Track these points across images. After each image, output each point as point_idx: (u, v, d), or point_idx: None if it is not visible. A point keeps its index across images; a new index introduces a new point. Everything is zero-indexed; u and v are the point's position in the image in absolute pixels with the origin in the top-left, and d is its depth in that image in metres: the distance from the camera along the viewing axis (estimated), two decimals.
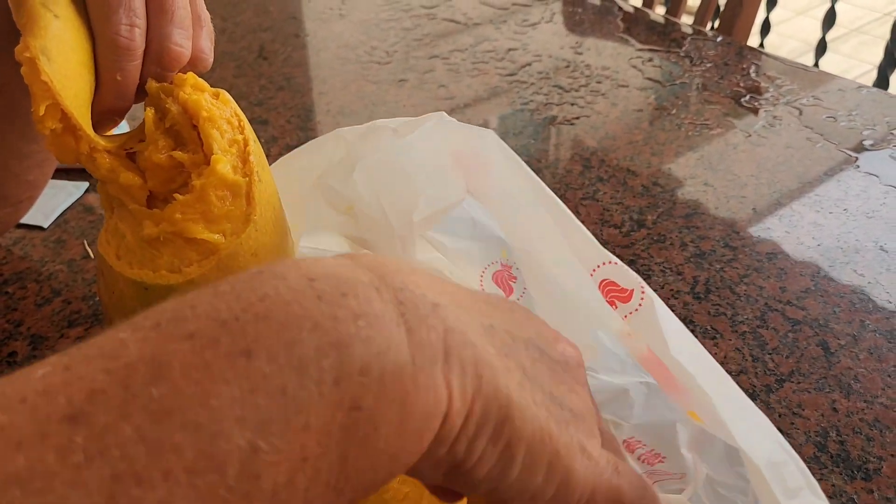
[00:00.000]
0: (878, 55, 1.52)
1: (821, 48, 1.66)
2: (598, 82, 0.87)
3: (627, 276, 0.36)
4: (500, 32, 0.98)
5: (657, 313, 0.35)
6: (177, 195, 0.36)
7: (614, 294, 0.37)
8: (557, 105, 0.83)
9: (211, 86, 0.39)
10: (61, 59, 0.33)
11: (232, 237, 0.36)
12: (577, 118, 0.81)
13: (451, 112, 0.82)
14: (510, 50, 0.94)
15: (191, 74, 0.38)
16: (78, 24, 0.35)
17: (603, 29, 0.98)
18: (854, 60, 2.77)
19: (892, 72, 1.51)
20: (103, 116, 0.37)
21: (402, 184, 0.40)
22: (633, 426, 0.42)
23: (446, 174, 0.40)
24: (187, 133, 0.36)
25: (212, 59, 0.40)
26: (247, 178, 0.36)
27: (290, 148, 0.77)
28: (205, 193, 0.35)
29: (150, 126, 0.36)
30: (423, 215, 0.40)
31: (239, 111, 0.38)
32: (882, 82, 1.53)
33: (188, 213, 0.35)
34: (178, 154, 0.36)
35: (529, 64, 0.91)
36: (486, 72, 0.89)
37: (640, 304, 0.36)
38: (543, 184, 0.39)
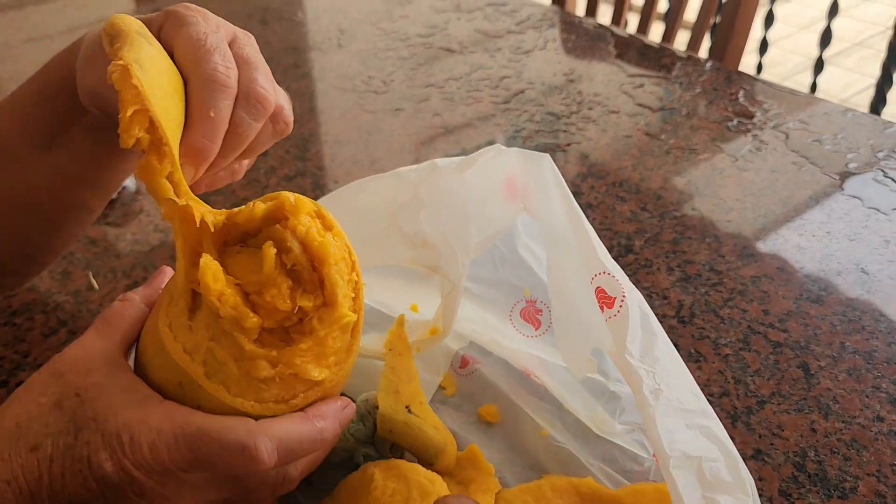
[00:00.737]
0: (879, 69, 1.54)
1: (818, 66, 1.68)
2: (590, 108, 0.89)
3: (614, 286, 0.41)
4: (494, 60, 1.00)
5: (629, 319, 0.40)
6: (295, 338, 0.35)
7: (604, 300, 0.42)
8: (549, 132, 0.85)
9: None
10: (154, 72, 0.34)
11: (335, 368, 0.37)
12: (569, 145, 0.83)
13: (445, 140, 0.84)
14: (504, 78, 0.96)
15: (303, 202, 0.36)
16: (169, 64, 0.37)
17: (596, 55, 1.00)
18: (857, 74, 2.78)
19: (890, 88, 1.52)
20: (187, 158, 0.37)
21: (461, 216, 0.46)
22: None
23: (496, 201, 0.46)
24: (307, 274, 0.36)
25: (292, 122, 0.42)
26: (356, 315, 0.37)
27: (288, 178, 0.79)
28: (326, 338, 0.36)
29: (270, 266, 0.35)
30: (475, 241, 0.46)
31: (347, 240, 0.38)
32: (879, 98, 1.55)
33: (306, 357, 0.36)
34: (303, 302, 0.35)
35: (523, 91, 0.93)
36: (480, 100, 0.92)
37: (619, 311, 0.41)
38: (574, 200, 0.45)
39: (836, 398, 0.53)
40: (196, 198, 0.36)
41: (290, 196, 0.36)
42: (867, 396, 0.53)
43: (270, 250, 0.35)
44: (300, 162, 0.82)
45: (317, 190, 0.77)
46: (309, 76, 1.00)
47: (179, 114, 0.36)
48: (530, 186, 0.46)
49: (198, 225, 0.35)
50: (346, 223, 0.49)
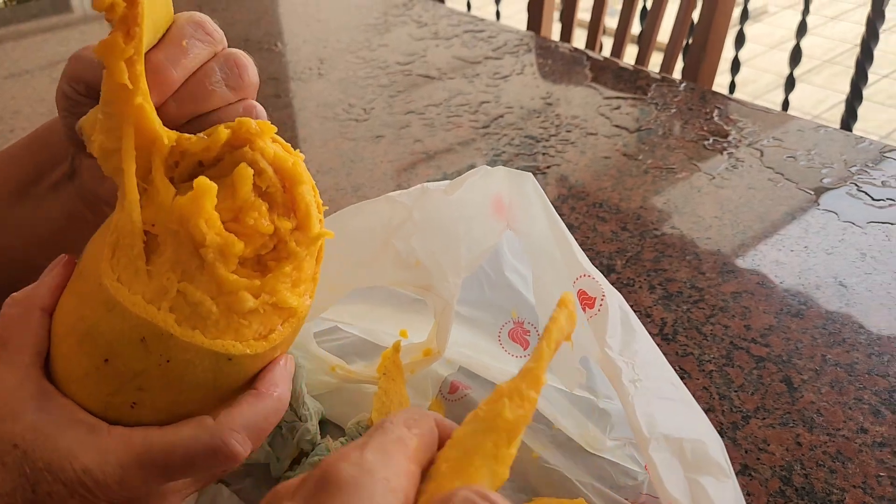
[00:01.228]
0: (849, 85, 1.57)
1: (789, 84, 1.71)
2: (568, 131, 0.90)
3: (594, 287, 0.43)
4: (472, 86, 1.02)
5: (609, 316, 0.42)
6: (272, 265, 0.34)
7: (585, 301, 0.43)
8: (529, 155, 0.86)
9: None
10: None
11: (305, 298, 0.36)
12: (549, 167, 0.84)
13: (425, 166, 0.85)
14: (483, 103, 0.97)
15: (267, 126, 0.35)
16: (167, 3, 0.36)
17: (572, 79, 1.02)
18: (828, 91, 2.84)
19: (859, 104, 1.56)
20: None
21: (451, 237, 0.47)
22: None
23: (484, 220, 0.47)
24: (280, 197, 0.35)
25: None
26: (330, 234, 0.36)
27: None
28: (303, 262, 0.35)
29: (248, 188, 0.33)
30: (466, 260, 0.48)
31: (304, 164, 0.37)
32: (850, 114, 1.58)
33: (286, 283, 0.34)
34: (282, 223, 0.34)
35: (502, 115, 0.94)
36: (459, 125, 0.93)
37: (599, 310, 0.43)
38: (555, 212, 0.47)
39: (819, 411, 0.54)
40: (153, 104, 0.33)
41: (251, 120, 0.35)
42: (850, 408, 0.54)
43: (247, 171, 0.33)
44: None
45: None
46: (290, 106, 1.01)
47: (155, 35, 0.34)
48: (514, 204, 0.48)
49: (153, 133, 0.33)
50: (340, 247, 0.50)
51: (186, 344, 0.32)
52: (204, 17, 0.37)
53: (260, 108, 0.39)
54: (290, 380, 0.37)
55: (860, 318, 0.61)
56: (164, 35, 0.35)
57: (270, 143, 0.35)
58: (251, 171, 0.33)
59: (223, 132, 0.34)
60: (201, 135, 0.34)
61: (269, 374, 0.36)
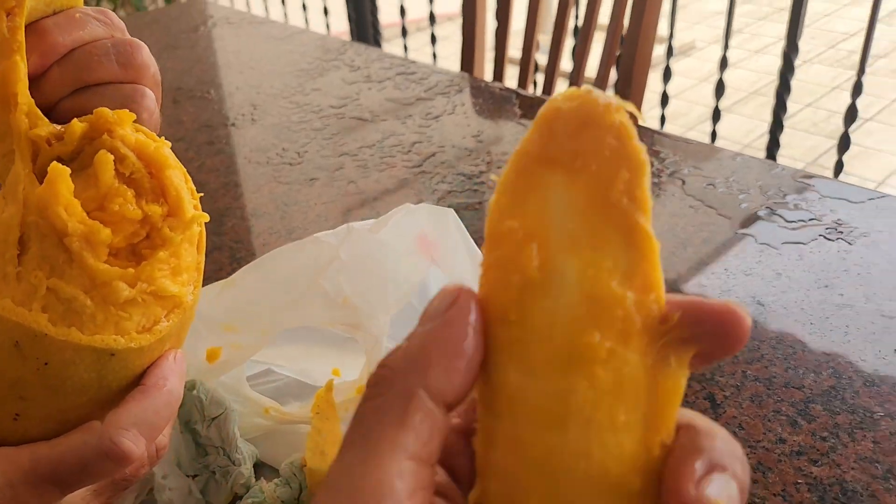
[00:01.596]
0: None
1: (716, 116, 1.78)
2: (499, 167, 0.92)
3: None
4: (405, 126, 1.04)
5: None
6: (147, 253, 0.33)
7: None
8: (461, 192, 0.88)
9: None
10: None
11: (189, 287, 0.35)
12: (480, 203, 0.86)
13: (360, 206, 0.86)
14: (415, 143, 0.99)
15: (126, 114, 0.35)
16: None
17: (502, 116, 1.05)
18: (756, 120, 2.95)
19: (781, 133, 1.63)
20: (29, 38, 0.35)
21: (379, 275, 0.49)
22: None
23: (410, 258, 0.49)
24: (147, 183, 0.34)
25: (156, 113, 0.40)
26: (200, 227, 0.36)
27: (206, 253, 0.80)
28: (180, 248, 0.34)
29: (109, 174, 0.33)
30: (393, 298, 0.49)
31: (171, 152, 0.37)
32: (773, 143, 1.65)
33: (164, 270, 0.34)
34: (152, 209, 0.34)
35: (434, 154, 0.96)
36: (393, 165, 0.95)
37: None
38: (476, 247, 0.48)
39: (741, 425, 0.56)
40: (27, 64, 0.33)
41: (108, 110, 0.34)
42: (769, 420, 0.56)
43: (107, 156, 0.33)
44: (217, 237, 0.83)
45: (234, 263, 0.78)
46: (223, 152, 1.01)
47: (52, 9, 0.35)
48: (438, 241, 0.49)
49: (14, 89, 0.33)
50: (268, 289, 0.51)
51: (63, 343, 0.31)
52: (104, 9, 0.37)
53: (150, 94, 0.37)
54: (181, 374, 0.36)
55: (777, 335, 0.64)
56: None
57: (132, 131, 0.34)
58: (111, 157, 0.33)
59: (78, 125, 0.34)
60: (59, 127, 0.34)
61: (157, 368, 0.35)
